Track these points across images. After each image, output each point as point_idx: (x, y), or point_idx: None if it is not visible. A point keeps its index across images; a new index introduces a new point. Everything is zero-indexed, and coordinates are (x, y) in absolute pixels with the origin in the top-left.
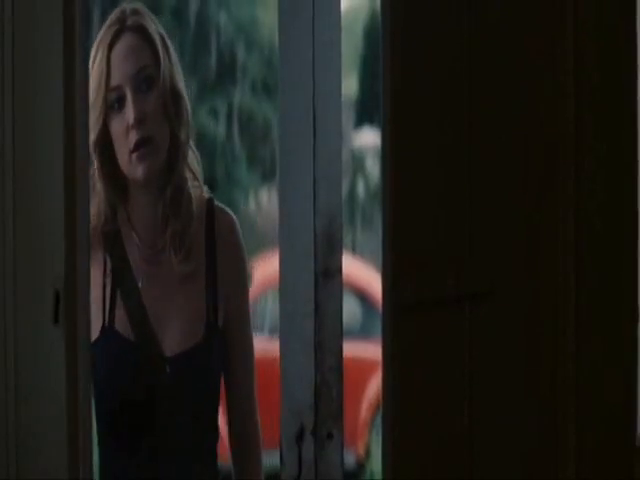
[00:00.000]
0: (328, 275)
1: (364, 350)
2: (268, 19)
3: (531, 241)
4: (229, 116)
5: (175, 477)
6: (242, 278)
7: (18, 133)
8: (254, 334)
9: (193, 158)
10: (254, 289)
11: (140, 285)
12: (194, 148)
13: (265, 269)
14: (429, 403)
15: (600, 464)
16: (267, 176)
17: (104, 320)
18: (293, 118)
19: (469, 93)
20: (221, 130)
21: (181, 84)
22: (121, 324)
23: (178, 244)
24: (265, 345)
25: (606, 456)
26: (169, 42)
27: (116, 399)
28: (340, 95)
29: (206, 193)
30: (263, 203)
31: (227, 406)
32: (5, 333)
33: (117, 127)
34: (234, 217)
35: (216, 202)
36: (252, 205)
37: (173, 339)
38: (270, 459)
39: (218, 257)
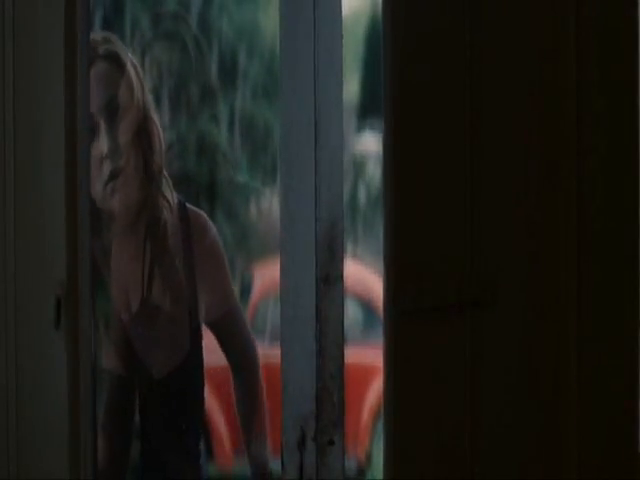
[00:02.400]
0: (329, 281)
1: (365, 356)
2: (269, 24)
3: (532, 248)
4: (230, 120)
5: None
6: (223, 275)
7: (19, 136)
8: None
9: (166, 186)
10: (254, 295)
11: (123, 316)
12: (167, 176)
13: (266, 275)
14: (430, 409)
15: (602, 469)
16: (268, 181)
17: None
18: (294, 123)
19: (470, 98)
20: (222, 135)
21: (153, 113)
22: (108, 359)
23: (153, 279)
24: (266, 351)
25: (608, 462)
26: (140, 70)
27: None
28: (341, 100)
29: (175, 197)
30: (264, 209)
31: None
32: (7, 336)
33: (91, 158)
34: (206, 217)
35: (187, 205)
36: (253, 211)
37: (161, 360)
38: (272, 465)
39: (196, 260)
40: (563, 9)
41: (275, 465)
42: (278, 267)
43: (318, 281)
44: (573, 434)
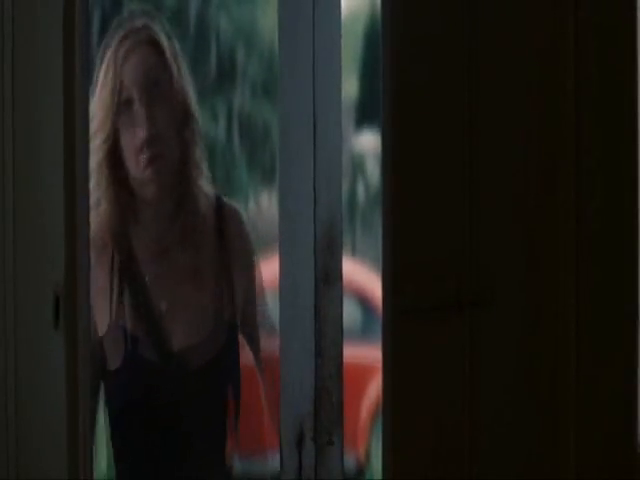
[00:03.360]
0: (328, 280)
1: (364, 355)
2: (268, 22)
3: (531, 248)
4: (229, 119)
5: (186, 476)
6: (252, 270)
7: (19, 136)
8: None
9: (205, 180)
10: None
11: (161, 306)
12: (207, 170)
13: (265, 274)
14: (429, 408)
15: (601, 469)
16: (267, 179)
17: (126, 347)
18: (293, 121)
19: (469, 95)
20: (221, 133)
21: (193, 103)
22: (144, 348)
23: (192, 272)
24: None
25: (607, 462)
26: (182, 61)
27: (124, 396)
28: (340, 98)
29: (213, 192)
30: (263, 206)
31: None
32: (5, 336)
33: (129, 142)
34: (240, 211)
35: (223, 198)
36: (252, 208)
37: (197, 351)
38: (271, 464)
39: (231, 254)
40: (562, 9)
41: (274, 465)
42: (277, 266)
43: (317, 280)
44: (572, 434)
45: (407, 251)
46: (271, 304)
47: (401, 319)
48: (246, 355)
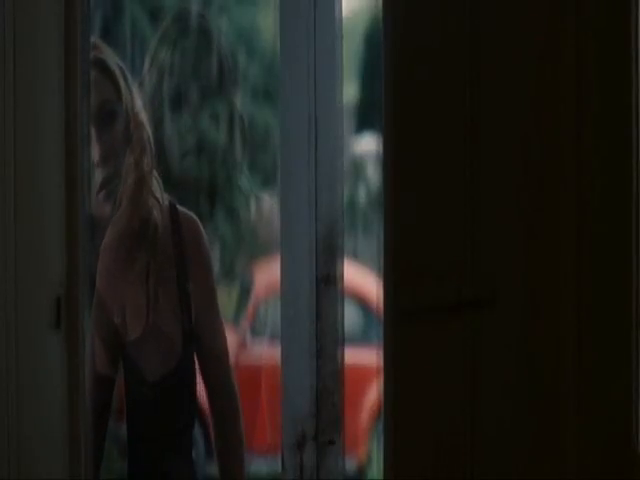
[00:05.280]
0: (329, 281)
1: (364, 356)
2: (269, 25)
3: (532, 248)
4: (230, 122)
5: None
6: (210, 279)
7: (19, 137)
8: (254, 340)
9: (157, 186)
10: (255, 296)
11: (115, 319)
12: (157, 177)
13: (266, 275)
14: (430, 409)
15: (602, 469)
16: (268, 182)
17: None
18: (294, 124)
19: (470, 98)
20: (222, 136)
21: (142, 115)
22: (101, 363)
23: (146, 282)
24: (266, 352)
25: (608, 462)
26: (128, 74)
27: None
28: (341, 101)
29: (166, 200)
30: (264, 209)
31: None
32: (6, 337)
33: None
34: (196, 218)
35: (177, 206)
36: (253, 211)
37: (153, 363)
38: (272, 465)
39: (188, 262)
40: (563, 9)
41: (275, 465)
42: (278, 267)
43: (318, 281)
44: (572, 434)
45: (407, 252)
46: (272, 306)
47: (402, 320)
48: (246, 356)
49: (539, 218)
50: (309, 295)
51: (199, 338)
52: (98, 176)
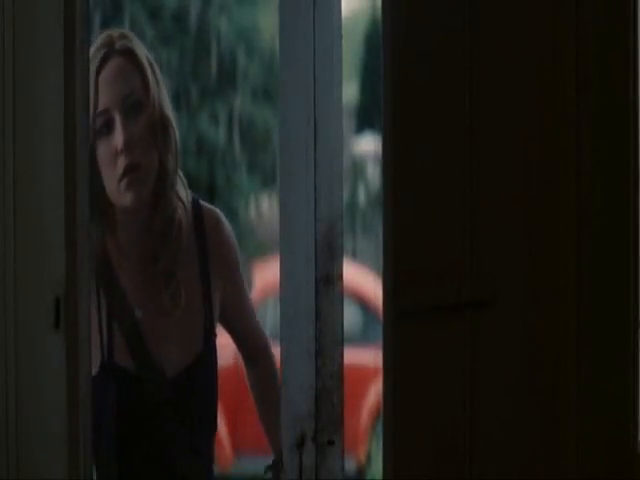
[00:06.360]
0: (328, 281)
1: (364, 357)
2: (269, 25)
3: (532, 248)
4: (229, 122)
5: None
6: (236, 270)
7: (19, 136)
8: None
9: (181, 185)
10: (254, 296)
11: (137, 313)
12: (182, 175)
13: (265, 275)
14: (429, 410)
15: (602, 469)
16: (268, 182)
17: (103, 355)
18: (294, 124)
19: (469, 98)
20: (221, 136)
21: (169, 112)
22: (120, 356)
23: (168, 281)
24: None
25: (608, 462)
26: (157, 68)
27: (119, 427)
28: (341, 101)
29: (189, 195)
30: (263, 209)
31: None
32: (6, 336)
33: (104, 152)
34: (219, 212)
35: (200, 201)
36: (252, 211)
37: (173, 358)
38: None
39: (210, 257)
40: (563, 9)
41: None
42: (277, 267)
43: (317, 281)
44: (572, 434)
45: (407, 253)
46: (271, 306)
47: (401, 320)
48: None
49: (539, 218)
50: (309, 295)
51: (237, 330)
52: (121, 163)
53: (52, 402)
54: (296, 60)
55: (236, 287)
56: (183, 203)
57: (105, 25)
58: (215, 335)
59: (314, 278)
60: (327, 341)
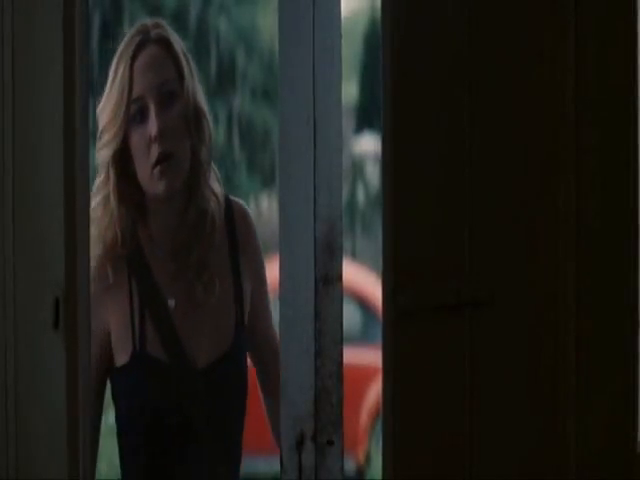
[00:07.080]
0: (328, 281)
1: (364, 356)
2: (268, 25)
3: (531, 248)
4: (229, 122)
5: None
6: (262, 269)
7: (18, 136)
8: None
9: (215, 180)
10: None
11: (169, 303)
12: (216, 170)
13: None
14: (429, 410)
15: (602, 469)
16: (267, 182)
17: (134, 345)
18: (293, 124)
19: (469, 99)
20: (221, 135)
21: (203, 103)
22: (152, 345)
23: (201, 272)
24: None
25: (608, 462)
26: (191, 59)
27: (148, 419)
28: (340, 101)
29: (222, 190)
30: (263, 209)
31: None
32: (5, 336)
33: (138, 140)
34: (247, 208)
35: (231, 197)
36: (252, 211)
37: (204, 350)
38: (271, 465)
39: (240, 254)
40: (562, 9)
41: (274, 464)
42: (277, 267)
43: (317, 281)
44: (572, 434)
45: (407, 252)
46: (272, 306)
47: (401, 320)
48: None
49: (539, 219)
50: (308, 295)
51: (253, 330)
52: (154, 151)
53: (52, 402)
54: (295, 60)
55: (262, 286)
56: (217, 197)
57: (105, 25)
58: (245, 330)
59: (314, 278)
60: (326, 341)
